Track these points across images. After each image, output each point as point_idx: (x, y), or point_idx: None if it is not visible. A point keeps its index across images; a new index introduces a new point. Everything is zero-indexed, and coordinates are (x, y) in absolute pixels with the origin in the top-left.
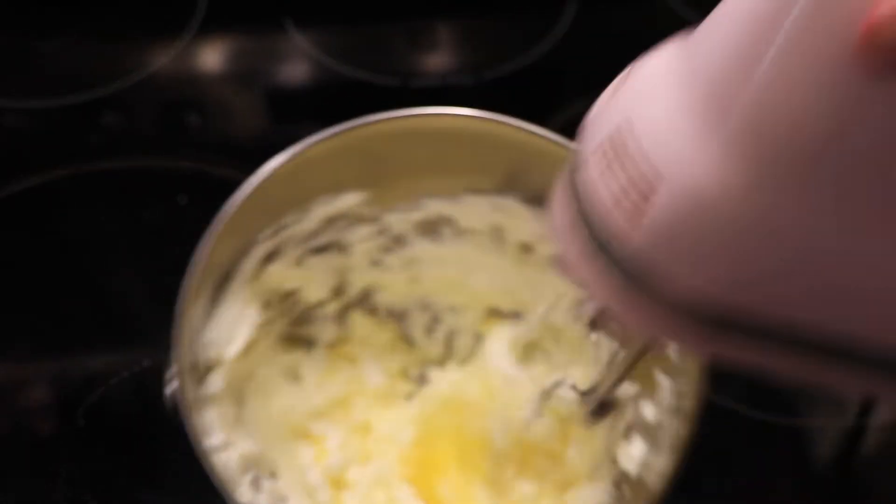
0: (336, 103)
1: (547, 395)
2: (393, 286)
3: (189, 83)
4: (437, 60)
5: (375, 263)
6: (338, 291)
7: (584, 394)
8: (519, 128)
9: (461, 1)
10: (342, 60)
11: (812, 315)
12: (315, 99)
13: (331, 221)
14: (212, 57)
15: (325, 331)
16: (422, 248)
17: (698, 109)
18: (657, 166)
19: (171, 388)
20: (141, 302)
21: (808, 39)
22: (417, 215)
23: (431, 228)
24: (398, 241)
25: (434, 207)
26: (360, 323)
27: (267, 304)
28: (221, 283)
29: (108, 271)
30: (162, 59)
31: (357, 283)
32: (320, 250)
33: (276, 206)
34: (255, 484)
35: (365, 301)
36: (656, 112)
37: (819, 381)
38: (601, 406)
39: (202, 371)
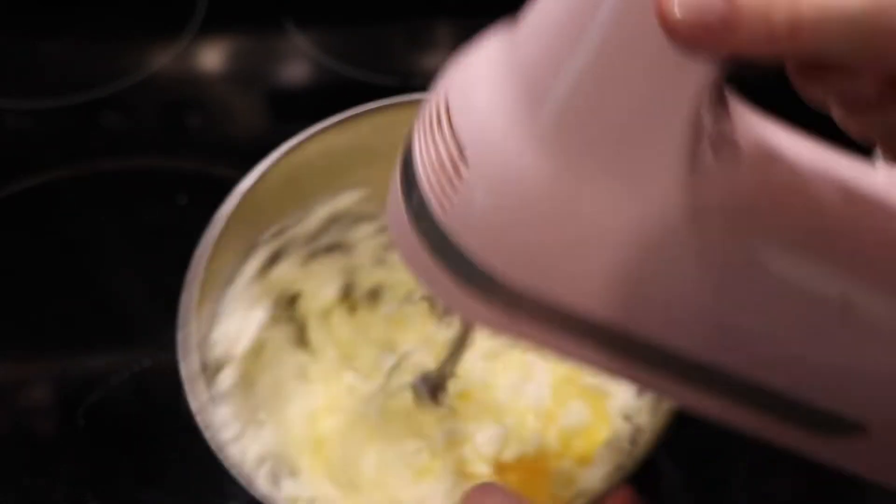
0: (336, 103)
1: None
2: (399, 284)
3: (189, 83)
4: (437, 60)
5: (380, 262)
6: (346, 292)
7: (423, 379)
8: None
9: (461, 1)
10: (342, 60)
11: (600, 309)
12: (315, 99)
13: (332, 221)
14: (212, 57)
15: (332, 333)
16: None
17: (511, 97)
18: (464, 147)
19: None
20: (141, 302)
21: (623, 31)
22: None
23: None
24: None
25: None
26: (368, 321)
27: (275, 305)
28: (227, 284)
29: (108, 271)
30: (162, 60)
31: (364, 283)
32: (325, 251)
33: (275, 207)
34: (274, 479)
35: (374, 299)
36: (471, 93)
37: (604, 371)
38: (434, 389)
39: (213, 369)
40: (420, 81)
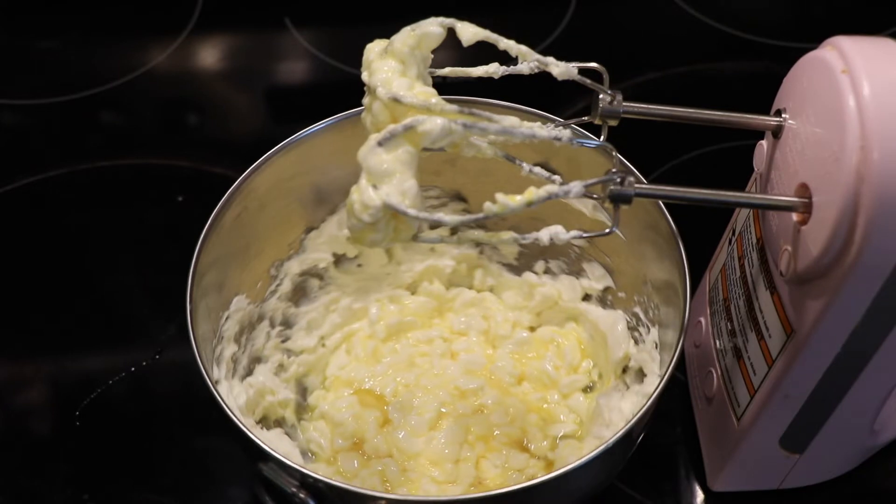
0: (334, 102)
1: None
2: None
3: (186, 80)
4: (437, 60)
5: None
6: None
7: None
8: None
9: (461, 1)
10: (340, 59)
11: None
12: (313, 97)
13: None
14: (209, 54)
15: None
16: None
17: None
18: None
19: None
20: (138, 301)
21: None
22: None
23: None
24: (318, 276)
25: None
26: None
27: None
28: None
29: (104, 269)
30: (159, 57)
31: (316, 383)
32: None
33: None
34: None
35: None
36: None
37: None
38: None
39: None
40: None
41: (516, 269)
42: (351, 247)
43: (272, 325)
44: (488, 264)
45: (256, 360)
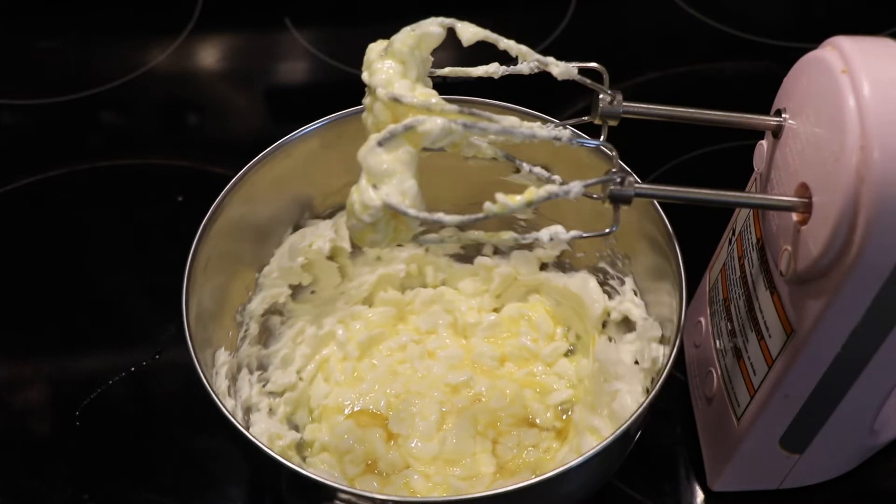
0: (334, 102)
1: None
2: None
3: (186, 80)
4: (438, 60)
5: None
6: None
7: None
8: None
9: (461, 1)
10: (340, 59)
11: None
12: (313, 97)
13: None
14: (209, 54)
15: None
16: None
17: None
18: None
19: None
20: (138, 301)
21: None
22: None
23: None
24: (279, 313)
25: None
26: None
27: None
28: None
29: (104, 269)
30: (159, 57)
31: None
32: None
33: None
34: None
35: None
36: None
37: None
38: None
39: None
40: None
41: (465, 258)
42: (304, 275)
43: (250, 372)
44: (436, 259)
45: (248, 410)
